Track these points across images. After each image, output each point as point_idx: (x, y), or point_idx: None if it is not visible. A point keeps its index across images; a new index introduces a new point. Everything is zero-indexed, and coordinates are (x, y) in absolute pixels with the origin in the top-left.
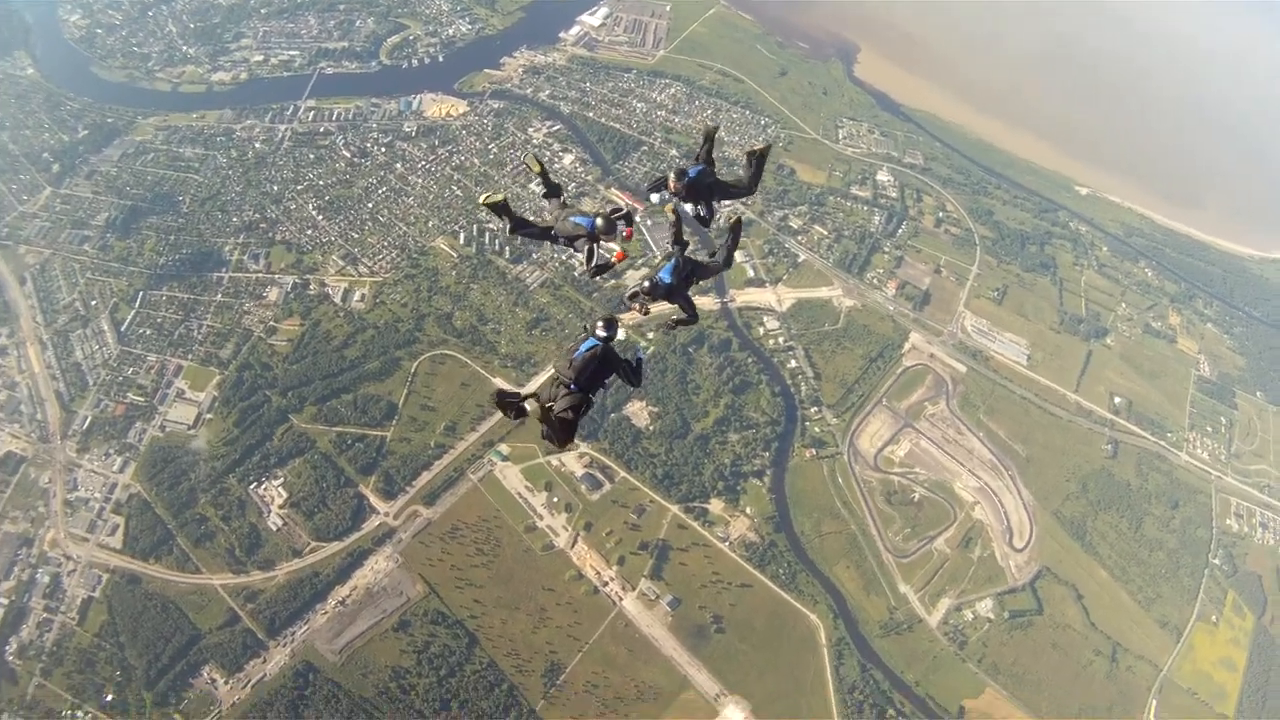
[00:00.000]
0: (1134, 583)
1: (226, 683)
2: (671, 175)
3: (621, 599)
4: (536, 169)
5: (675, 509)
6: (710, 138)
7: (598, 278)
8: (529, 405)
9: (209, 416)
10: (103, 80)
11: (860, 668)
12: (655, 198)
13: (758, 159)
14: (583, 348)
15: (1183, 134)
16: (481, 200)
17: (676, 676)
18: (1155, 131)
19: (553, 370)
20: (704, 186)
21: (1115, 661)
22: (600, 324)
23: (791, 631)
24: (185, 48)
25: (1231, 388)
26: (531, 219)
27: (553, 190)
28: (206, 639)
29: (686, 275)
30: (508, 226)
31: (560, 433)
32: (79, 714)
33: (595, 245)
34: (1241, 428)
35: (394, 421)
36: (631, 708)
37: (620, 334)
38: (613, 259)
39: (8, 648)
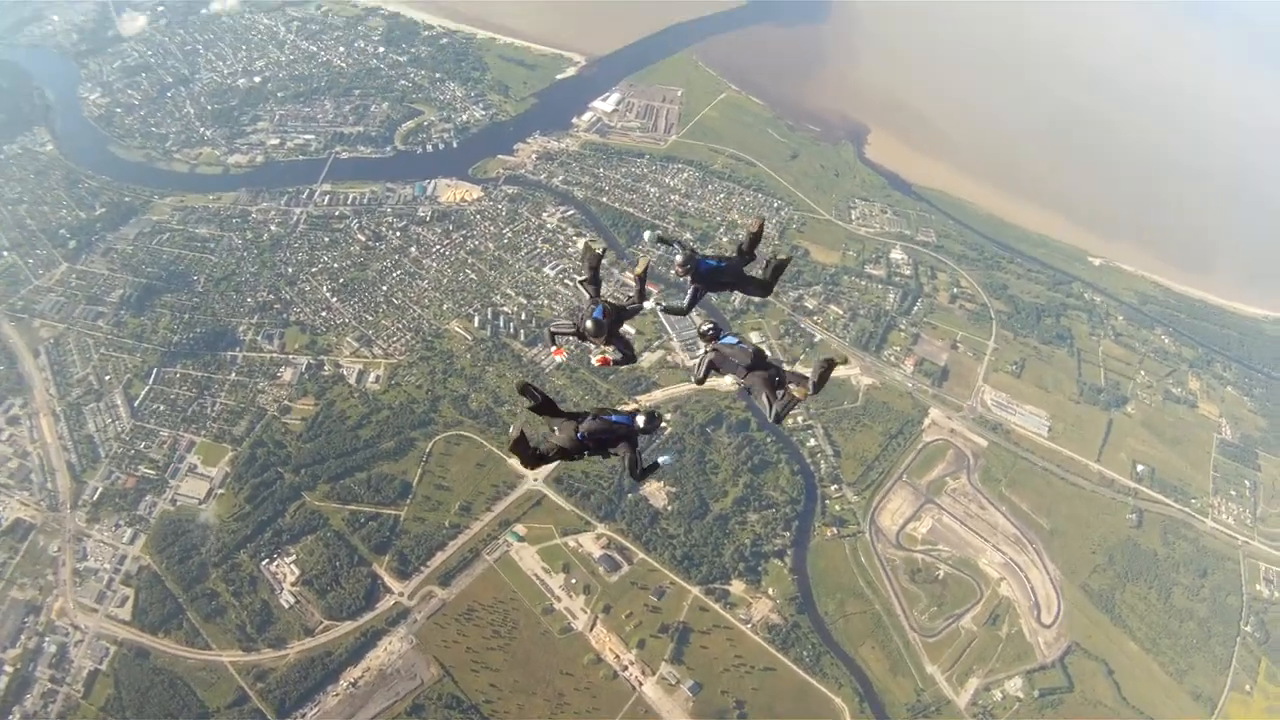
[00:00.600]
0: (1165, 654)
1: None
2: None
3: (641, 684)
4: (598, 250)
5: (696, 590)
6: (757, 237)
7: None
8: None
9: (221, 491)
10: (121, 159)
11: None
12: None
13: (777, 267)
14: (616, 418)
15: (1189, 199)
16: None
17: None
18: (1163, 198)
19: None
20: (720, 278)
21: None
22: (646, 417)
23: (816, 716)
24: (202, 129)
25: (1254, 449)
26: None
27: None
28: (214, 718)
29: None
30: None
31: (531, 460)
32: None
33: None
34: (1266, 490)
35: (408, 500)
36: None
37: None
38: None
39: (10, 718)
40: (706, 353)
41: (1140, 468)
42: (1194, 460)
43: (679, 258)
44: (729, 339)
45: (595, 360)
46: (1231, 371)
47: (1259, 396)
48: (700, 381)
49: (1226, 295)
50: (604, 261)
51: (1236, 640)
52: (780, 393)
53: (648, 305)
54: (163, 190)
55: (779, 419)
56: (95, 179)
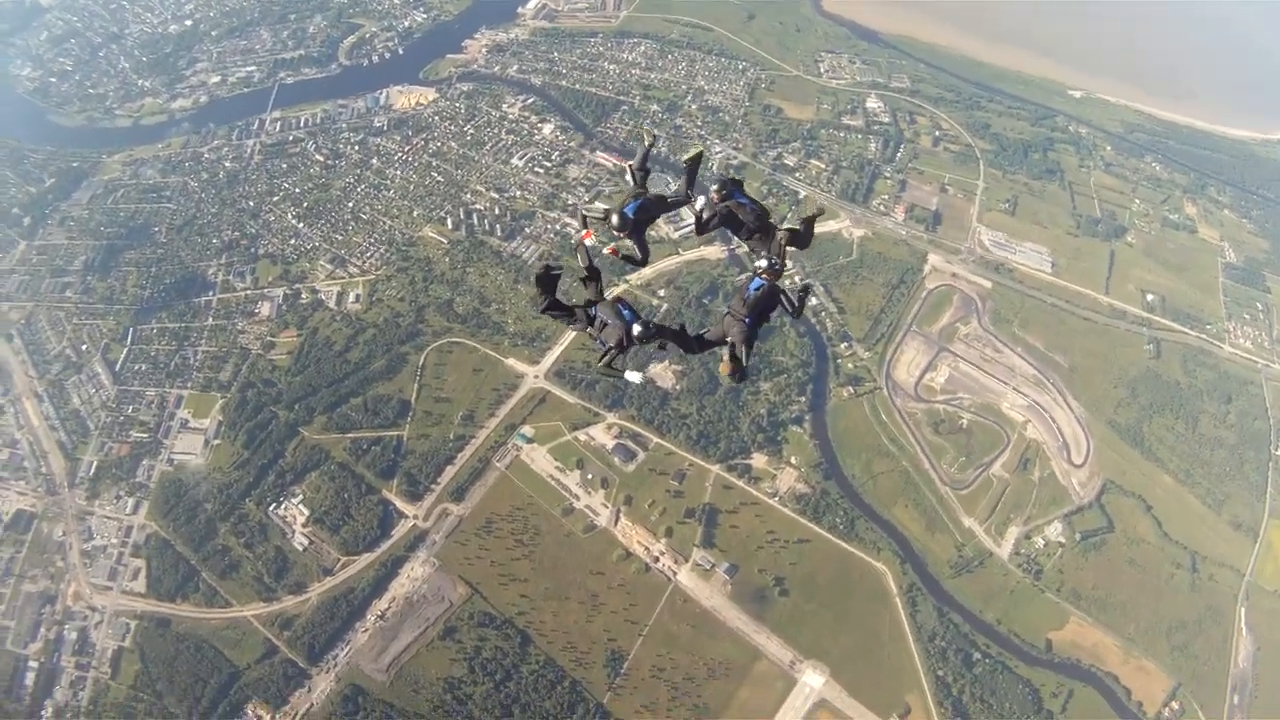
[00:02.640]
0: (1200, 485)
1: (274, 718)
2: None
3: (675, 573)
4: (648, 141)
5: (717, 469)
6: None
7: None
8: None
9: (216, 442)
10: (63, 127)
11: (937, 613)
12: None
13: (807, 222)
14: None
15: (1161, 26)
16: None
17: (746, 648)
18: (1134, 28)
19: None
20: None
21: (1196, 572)
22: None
23: (859, 584)
24: (141, 81)
25: (1260, 271)
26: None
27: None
28: (246, 675)
29: (648, 214)
30: (542, 304)
31: (552, 304)
32: None
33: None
34: (1279, 311)
35: (408, 419)
36: (704, 687)
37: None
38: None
39: (44, 713)
40: (717, 205)
41: (1150, 297)
42: (1202, 286)
43: (714, 186)
44: (741, 198)
45: (606, 250)
46: (1226, 195)
47: (1257, 219)
48: (702, 231)
49: (1213, 120)
50: (652, 150)
51: (1269, 465)
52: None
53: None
54: (110, 149)
55: (777, 273)
56: (40, 151)
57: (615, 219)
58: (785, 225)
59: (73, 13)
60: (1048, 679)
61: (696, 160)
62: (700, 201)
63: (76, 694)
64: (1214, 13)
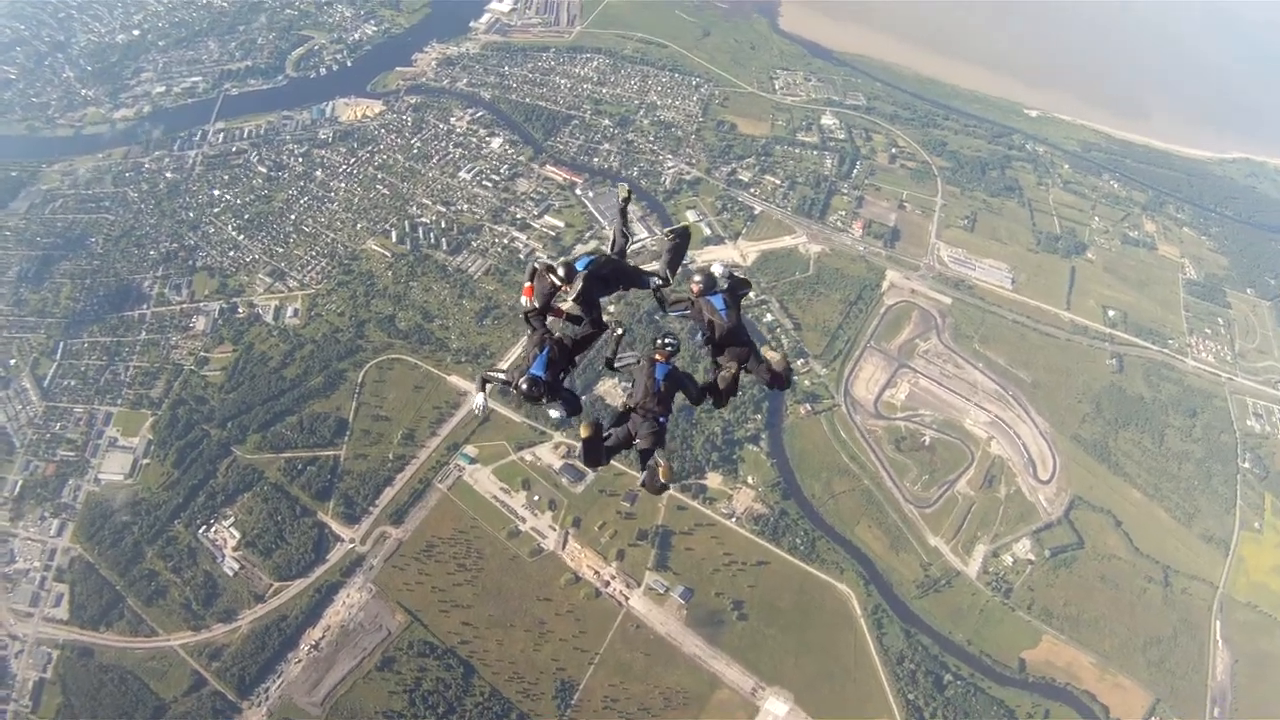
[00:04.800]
0: (1169, 499)
1: None
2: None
3: (628, 598)
4: (624, 195)
5: (670, 490)
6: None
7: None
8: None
9: (146, 461)
10: (2, 135)
11: (905, 634)
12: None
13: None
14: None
15: (1116, 46)
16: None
17: (704, 675)
18: (1089, 47)
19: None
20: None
21: (1169, 585)
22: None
23: (821, 606)
24: (84, 90)
25: (1221, 287)
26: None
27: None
28: (173, 709)
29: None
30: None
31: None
32: None
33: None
34: (1240, 326)
35: (346, 438)
36: (660, 718)
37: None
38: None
39: None
40: (687, 300)
41: (1112, 313)
42: (1164, 302)
43: (697, 278)
44: (716, 301)
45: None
46: (1185, 213)
47: (1216, 235)
48: (664, 311)
49: (1168, 139)
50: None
51: (1237, 478)
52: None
53: (553, 414)
54: (49, 158)
55: (720, 403)
56: None
57: (561, 270)
58: (765, 359)
59: (20, 21)
60: (1023, 699)
61: (685, 236)
62: (657, 281)
63: None
64: (1167, 31)
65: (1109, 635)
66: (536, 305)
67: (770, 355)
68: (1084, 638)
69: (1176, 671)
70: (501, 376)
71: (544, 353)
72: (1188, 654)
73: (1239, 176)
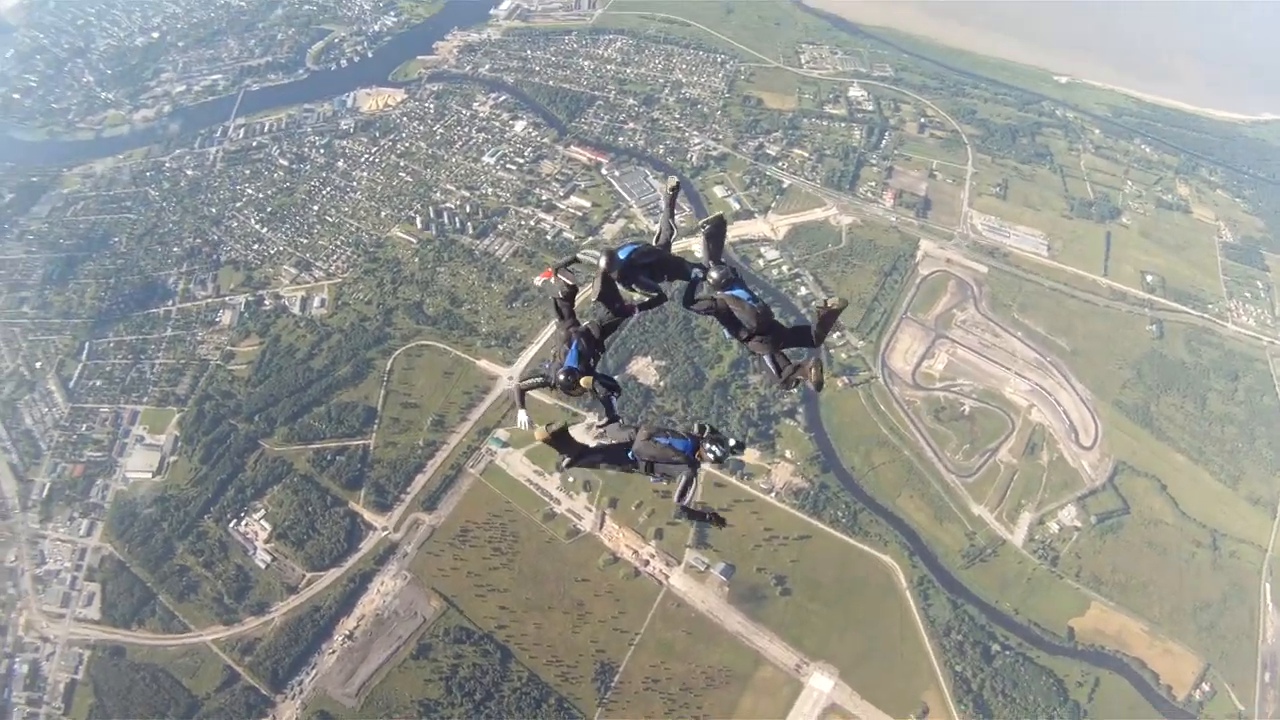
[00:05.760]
0: (1214, 463)
1: None
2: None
3: (667, 577)
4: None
5: (707, 466)
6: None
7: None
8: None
9: (174, 459)
10: (23, 142)
11: (951, 605)
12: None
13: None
14: (678, 443)
15: (1142, 9)
16: (538, 436)
17: (747, 653)
18: (1115, 12)
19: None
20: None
21: (1217, 549)
22: (715, 444)
23: (865, 579)
24: (104, 94)
25: (1258, 250)
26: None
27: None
28: (205, 706)
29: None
30: (564, 461)
31: (573, 456)
32: None
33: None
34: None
35: (375, 426)
36: (703, 697)
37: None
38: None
39: None
40: (707, 296)
41: (1150, 278)
42: (1201, 266)
43: (715, 273)
44: (739, 291)
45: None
46: (1218, 175)
47: (1250, 198)
48: (688, 306)
49: (1199, 103)
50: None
51: None
52: (791, 361)
53: (520, 419)
54: (70, 162)
55: (789, 385)
56: None
57: (604, 260)
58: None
59: (40, 30)
60: (1072, 668)
61: (720, 225)
62: (713, 272)
63: None
64: None
65: (1158, 601)
66: (563, 295)
67: (830, 302)
68: (1133, 604)
69: (1227, 636)
70: (538, 380)
71: (574, 345)
72: (1238, 618)
73: (1271, 139)
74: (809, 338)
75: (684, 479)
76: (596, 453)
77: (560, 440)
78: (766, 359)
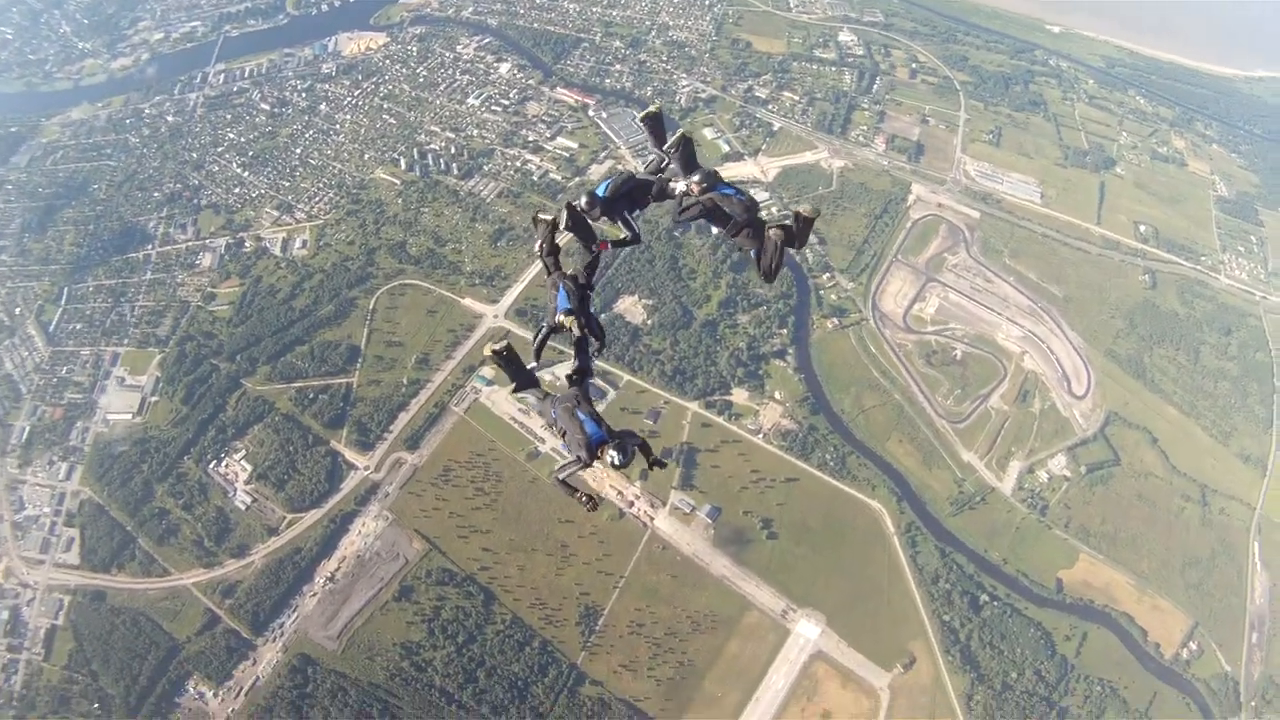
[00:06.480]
0: (1206, 417)
1: (216, 695)
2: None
3: (653, 519)
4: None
5: (694, 406)
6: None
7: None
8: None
9: (154, 400)
10: (1, 94)
11: (939, 553)
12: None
13: (803, 221)
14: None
15: None
16: (486, 351)
17: (734, 597)
18: None
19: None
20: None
21: (1207, 505)
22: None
23: (853, 524)
24: (81, 44)
25: (1253, 205)
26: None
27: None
28: (186, 649)
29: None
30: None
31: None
32: None
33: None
34: (1274, 245)
35: (358, 365)
36: (688, 642)
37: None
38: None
39: None
40: (693, 200)
41: (1143, 228)
42: (1195, 218)
43: (696, 176)
44: (725, 189)
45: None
46: (1213, 129)
47: (1246, 153)
48: (679, 222)
49: (1195, 57)
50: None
51: (1275, 397)
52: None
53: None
54: (49, 112)
55: (770, 276)
56: None
57: (583, 200)
58: (778, 222)
59: None
60: (1060, 622)
61: (687, 142)
62: (680, 186)
63: (9, 678)
64: None
65: (1146, 555)
66: (546, 247)
67: (802, 209)
68: (1121, 557)
69: (1215, 594)
70: (541, 334)
71: (561, 291)
72: (1226, 576)
73: (1268, 95)
74: (790, 238)
75: (573, 459)
76: (537, 385)
77: (506, 361)
78: (752, 253)
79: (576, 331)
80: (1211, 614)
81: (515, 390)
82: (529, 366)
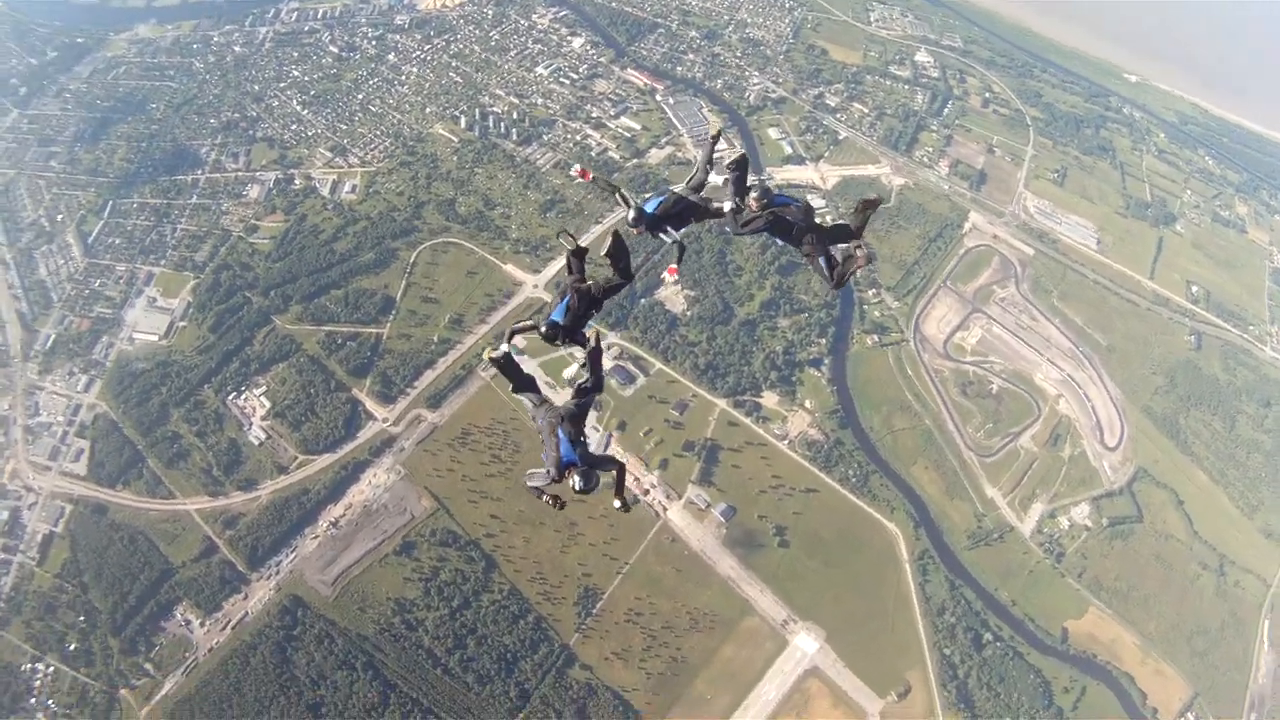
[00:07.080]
0: (1234, 487)
1: (203, 624)
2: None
3: (666, 509)
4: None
5: (723, 404)
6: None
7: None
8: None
9: (183, 324)
10: (73, 3)
11: (949, 585)
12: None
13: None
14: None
15: (1217, 21)
16: (486, 355)
17: (736, 600)
18: (1187, 13)
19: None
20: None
21: (1223, 575)
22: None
23: (867, 543)
24: None
25: None
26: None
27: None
28: (180, 574)
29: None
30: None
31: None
32: (39, 667)
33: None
34: None
35: (391, 317)
36: (684, 639)
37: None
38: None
39: None
40: (755, 213)
41: (1195, 288)
42: (1249, 286)
43: (755, 193)
44: (782, 199)
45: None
46: (1279, 200)
47: None
48: (741, 234)
49: (1266, 124)
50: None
51: None
52: (840, 255)
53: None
54: (119, 26)
55: (841, 283)
56: (48, 26)
57: (631, 214)
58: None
59: None
60: (1061, 672)
61: (744, 162)
62: (728, 205)
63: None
64: (1267, 12)
65: (1156, 617)
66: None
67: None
68: (1131, 615)
69: (1219, 667)
70: (526, 324)
71: (565, 300)
72: (1232, 651)
73: None
74: (849, 233)
75: (544, 473)
76: (535, 389)
77: (504, 368)
78: (821, 260)
79: (594, 343)
80: (1213, 686)
81: (515, 390)
82: (510, 344)
